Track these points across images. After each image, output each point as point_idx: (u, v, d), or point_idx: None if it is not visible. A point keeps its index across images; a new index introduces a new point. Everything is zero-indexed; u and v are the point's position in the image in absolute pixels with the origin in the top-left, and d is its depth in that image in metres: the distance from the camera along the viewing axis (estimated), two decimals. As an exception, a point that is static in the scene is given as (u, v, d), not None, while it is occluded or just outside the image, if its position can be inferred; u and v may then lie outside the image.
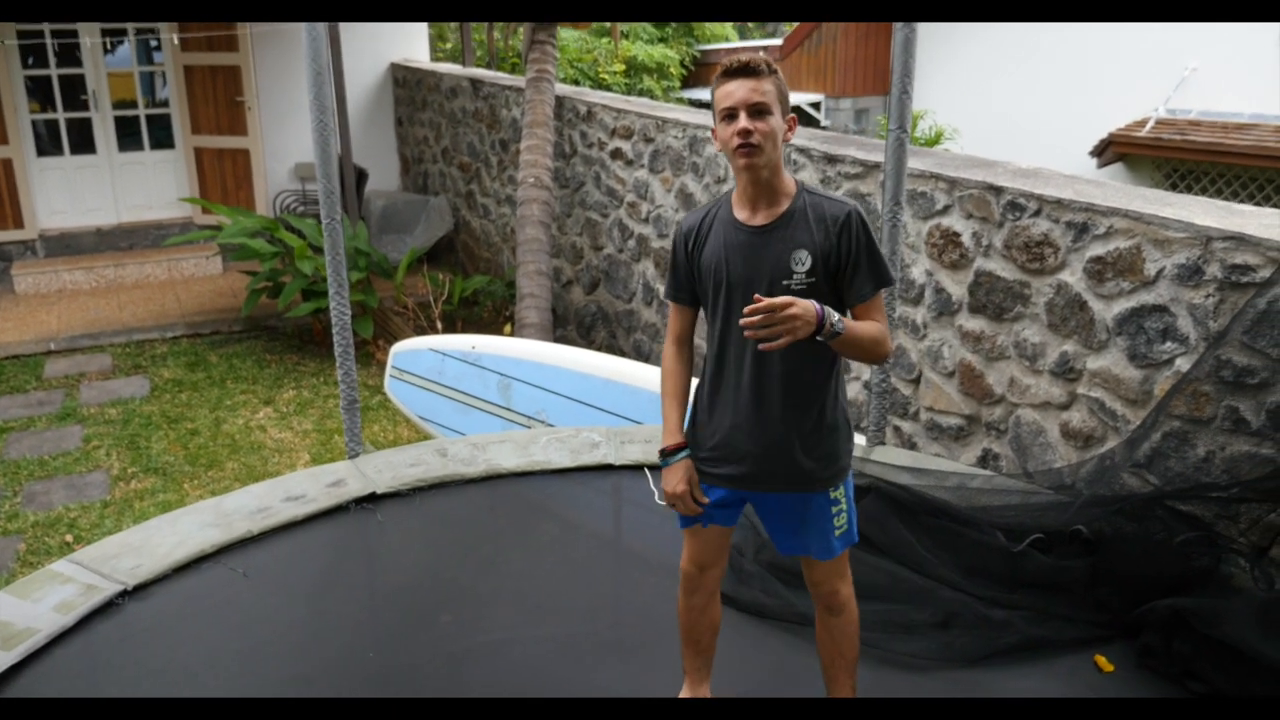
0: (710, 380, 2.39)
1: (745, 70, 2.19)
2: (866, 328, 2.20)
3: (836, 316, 2.11)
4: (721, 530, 2.49)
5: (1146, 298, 3.44)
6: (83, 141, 9.73)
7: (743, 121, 2.17)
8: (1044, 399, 3.90)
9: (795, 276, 2.22)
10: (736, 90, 2.19)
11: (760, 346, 2.09)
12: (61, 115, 9.57)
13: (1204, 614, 2.71)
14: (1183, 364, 3.34)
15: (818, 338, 2.10)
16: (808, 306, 2.06)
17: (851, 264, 2.22)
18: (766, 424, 2.31)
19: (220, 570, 3.30)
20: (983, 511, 3.29)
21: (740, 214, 2.30)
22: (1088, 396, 3.71)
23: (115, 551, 3.31)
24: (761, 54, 2.27)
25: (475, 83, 9.04)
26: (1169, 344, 3.38)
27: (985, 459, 4.23)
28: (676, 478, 2.38)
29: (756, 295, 2.07)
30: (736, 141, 2.18)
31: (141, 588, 3.16)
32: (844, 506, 2.40)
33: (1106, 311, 3.60)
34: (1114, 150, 9.81)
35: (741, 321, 2.06)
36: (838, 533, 2.40)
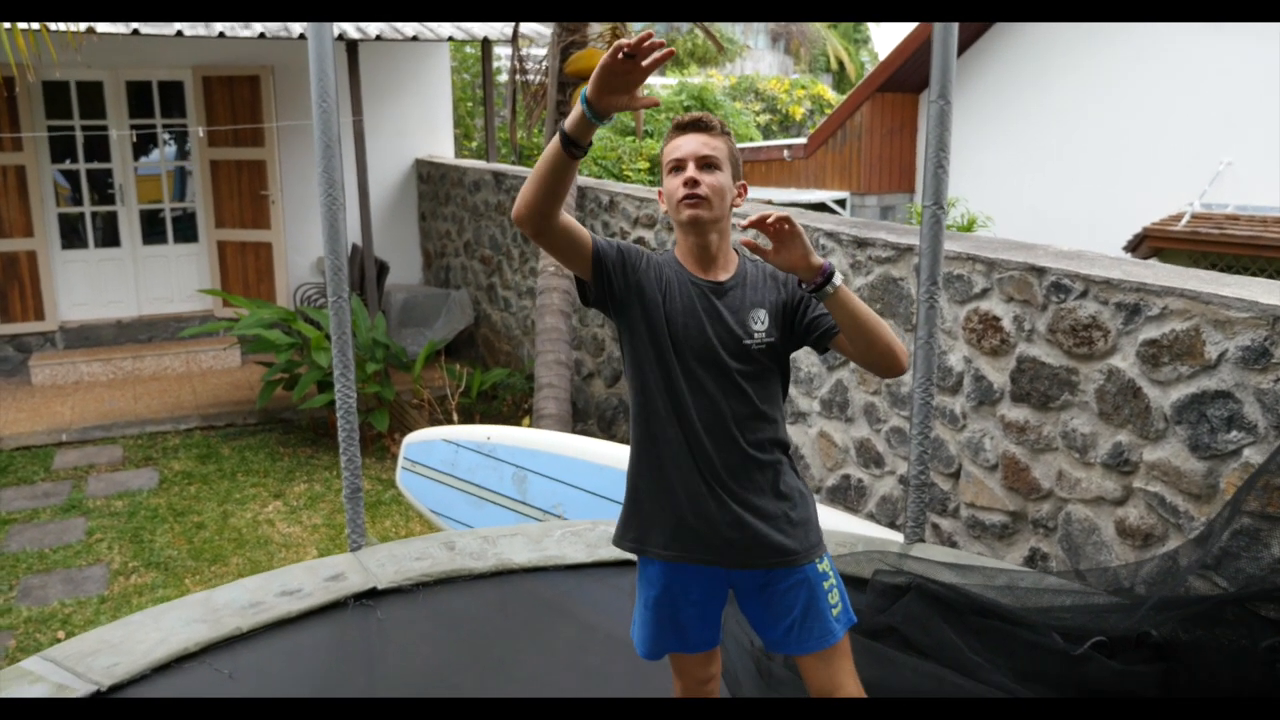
0: (656, 449, 2.20)
1: (697, 125, 2.10)
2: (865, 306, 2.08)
3: (838, 273, 1.99)
4: (707, 655, 2.34)
5: (1208, 383, 3.20)
6: (108, 234, 9.75)
7: (690, 171, 2.05)
8: (1096, 494, 3.63)
9: (755, 336, 2.11)
10: (686, 143, 2.09)
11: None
12: (88, 209, 9.61)
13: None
14: (1251, 454, 3.07)
15: (820, 285, 1.97)
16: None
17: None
18: (737, 488, 2.13)
19: (205, 670, 3.04)
20: (1037, 612, 3.00)
21: (696, 272, 2.16)
22: (1145, 491, 3.44)
23: (93, 648, 3.06)
24: (716, 116, 2.15)
25: (498, 176, 9.01)
26: (1235, 433, 3.12)
27: (1033, 559, 3.93)
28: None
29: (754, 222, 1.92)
30: (682, 192, 2.06)
31: (117, 688, 2.91)
32: (834, 581, 2.20)
33: (1163, 398, 3.35)
34: (1149, 245, 9.63)
35: (771, 220, 1.90)
36: (834, 611, 2.17)
